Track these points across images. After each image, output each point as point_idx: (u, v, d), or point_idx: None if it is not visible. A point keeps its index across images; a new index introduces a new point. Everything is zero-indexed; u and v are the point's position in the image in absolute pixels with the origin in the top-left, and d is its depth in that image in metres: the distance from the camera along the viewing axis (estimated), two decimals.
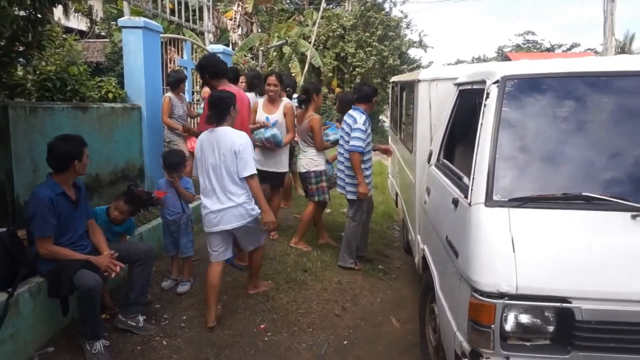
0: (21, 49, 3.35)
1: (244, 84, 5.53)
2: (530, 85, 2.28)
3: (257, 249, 3.52)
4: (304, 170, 4.65)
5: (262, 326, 3.28)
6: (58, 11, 3.49)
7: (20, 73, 4.25)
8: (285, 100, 4.77)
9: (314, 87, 4.82)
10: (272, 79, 4.62)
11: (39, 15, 3.26)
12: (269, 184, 4.76)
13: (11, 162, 3.33)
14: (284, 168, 4.78)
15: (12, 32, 3.16)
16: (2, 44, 3.15)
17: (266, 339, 3.15)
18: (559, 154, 2.14)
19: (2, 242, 2.72)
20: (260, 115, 4.66)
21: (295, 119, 4.71)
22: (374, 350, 3.09)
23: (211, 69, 3.69)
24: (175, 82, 5.27)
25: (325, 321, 3.40)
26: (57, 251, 2.76)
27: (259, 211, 3.23)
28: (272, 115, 4.62)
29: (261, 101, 4.77)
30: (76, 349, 2.85)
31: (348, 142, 4.11)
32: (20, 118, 3.40)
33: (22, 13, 3.26)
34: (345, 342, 3.17)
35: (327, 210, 6.14)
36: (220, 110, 3.16)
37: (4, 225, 2.90)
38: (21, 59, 3.50)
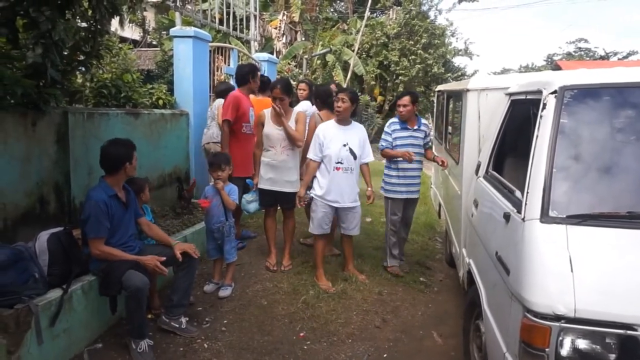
0: (82, 58, 3.54)
1: (305, 91, 5.23)
2: (590, 95, 2.17)
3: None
4: None
5: (301, 334, 3.27)
6: (114, 22, 3.69)
7: (80, 80, 4.50)
8: (297, 108, 4.48)
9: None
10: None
11: (99, 27, 3.43)
12: (281, 207, 4.37)
13: (69, 164, 3.50)
14: (297, 187, 4.16)
15: (75, 42, 3.35)
16: (66, 53, 3.33)
17: (305, 347, 3.13)
18: (620, 169, 2.03)
19: (59, 241, 2.86)
20: (270, 128, 4.12)
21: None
22: None
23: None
24: (225, 91, 5.39)
25: (365, 332, 3.35)
26: (108, 251, 2.87)
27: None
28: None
29: (268, 112, 4.17)
30: (123, 346, 2.95)
31: (405, 145, 4.22)
32: (78, 123, 3.58)
33: (83, 25, 3.45)
34: (385, 355, 3.10)
35: (368, 219, 6.09)
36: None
37: (60, 225, 3.05)
38: (81, 68, 3.69)
